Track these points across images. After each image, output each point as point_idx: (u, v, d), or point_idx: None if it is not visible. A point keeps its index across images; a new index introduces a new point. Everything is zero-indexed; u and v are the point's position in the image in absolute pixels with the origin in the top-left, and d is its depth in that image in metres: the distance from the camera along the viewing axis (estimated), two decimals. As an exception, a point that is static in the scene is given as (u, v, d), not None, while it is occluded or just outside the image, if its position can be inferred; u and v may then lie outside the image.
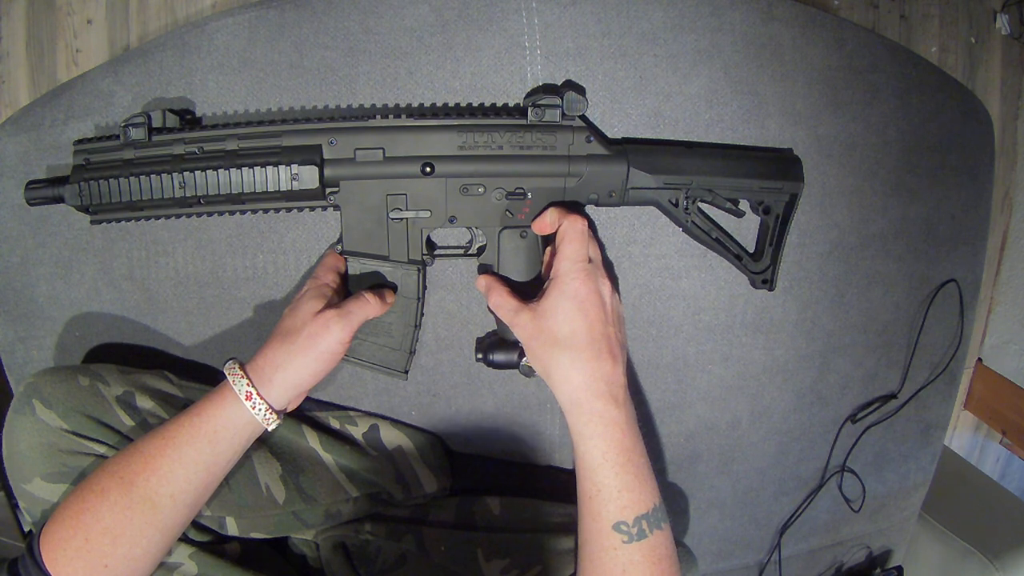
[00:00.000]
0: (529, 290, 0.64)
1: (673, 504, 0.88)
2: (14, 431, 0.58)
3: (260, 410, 0.55)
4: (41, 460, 0.57)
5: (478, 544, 0.67)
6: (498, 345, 0.69)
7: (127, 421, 0.60)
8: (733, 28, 0.71)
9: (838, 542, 1.00)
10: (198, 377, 0.71)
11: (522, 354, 0.68)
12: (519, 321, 0.59)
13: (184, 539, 0.60)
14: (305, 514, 0.66)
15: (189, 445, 0.54)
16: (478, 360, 0.71)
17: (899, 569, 1.04)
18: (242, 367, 0.57)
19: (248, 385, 0.55)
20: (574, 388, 0.55)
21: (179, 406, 0.63)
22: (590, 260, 0.59)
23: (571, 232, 0.59)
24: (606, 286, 0.58)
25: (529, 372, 0.69)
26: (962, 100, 0.82)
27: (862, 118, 0.76)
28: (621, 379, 0.56)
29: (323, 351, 0.57)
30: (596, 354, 0.55)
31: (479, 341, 0.73)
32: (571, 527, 0.68)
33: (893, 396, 0.90)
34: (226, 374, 0.57)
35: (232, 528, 0.63)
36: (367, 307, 0.60)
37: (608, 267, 0.74)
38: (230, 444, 0.55)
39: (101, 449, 0.58)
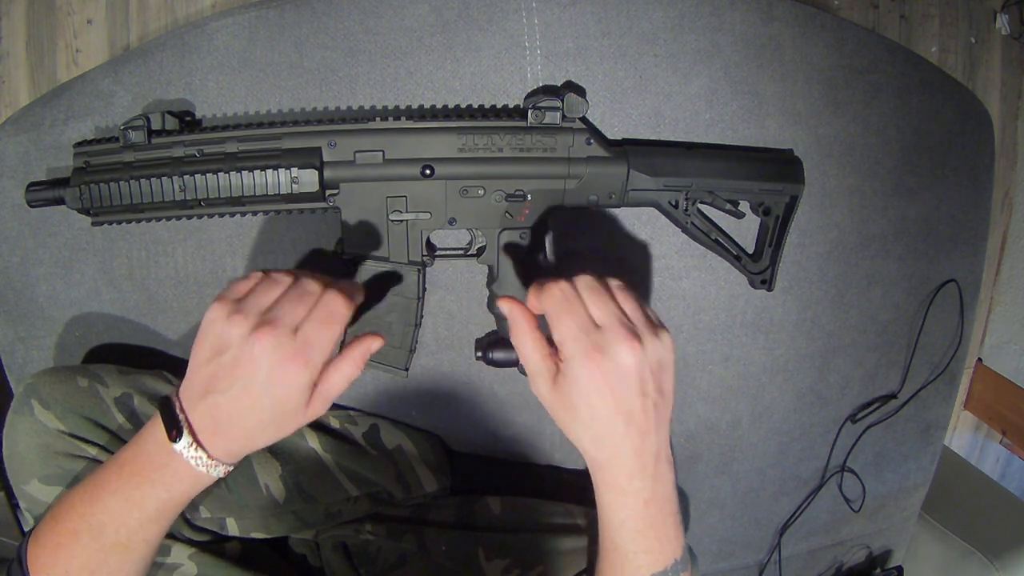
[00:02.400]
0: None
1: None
2: (13, 432, 0.58)
3: (219, 472, 0.50)
4: (38, 462, 0.57)
5: (479, 544, 0.67)
6: (498, 343, 0.69)
7: (125, 424, 0.60)
8: (733, 28, 0.71)
9: (838, 542, 1.00)
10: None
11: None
12: (539, 385, 0.51)
13: (184, 539, 0.60)
14: (305, 514, 0.66)
15: (160, 512, 0.50)
16: (478, 358, 0.71)
17: (899, 569, 1.04)
18: (208, 455, 0.49)
19: (225, 467, 0.50)
20: (595, 462, 0.51)
21: None
22: (598, 326, 0.49)
23: (551, 305, 0.50)
24: (627, 349, 0.47)
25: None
26: (962, 100, 0.82)
27: (862, 118, 0.76)
28: (652, 448, 0.49)
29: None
30: (620, 435, 0.48)
31: (478, 340, 0.73)
32: (572, 527, 0.68)
33: (893, 396, 0.90)
34: (192, 463, 0.48)
35: (232, 528, 0.63)
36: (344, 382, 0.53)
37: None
38: (195, 493, 0.51)
39: (98, 453, 0.58)
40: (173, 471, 0.49)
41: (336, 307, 0.50)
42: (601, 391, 0.47)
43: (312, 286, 0.51)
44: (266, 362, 0.47)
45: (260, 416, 0.49)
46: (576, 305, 0.49)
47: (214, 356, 0.48)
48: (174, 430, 0.48)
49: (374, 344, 0.54)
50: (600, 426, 0.48)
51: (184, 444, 0.48)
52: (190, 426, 0.48)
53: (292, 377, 0.48)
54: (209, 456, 0.49)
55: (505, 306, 0.52)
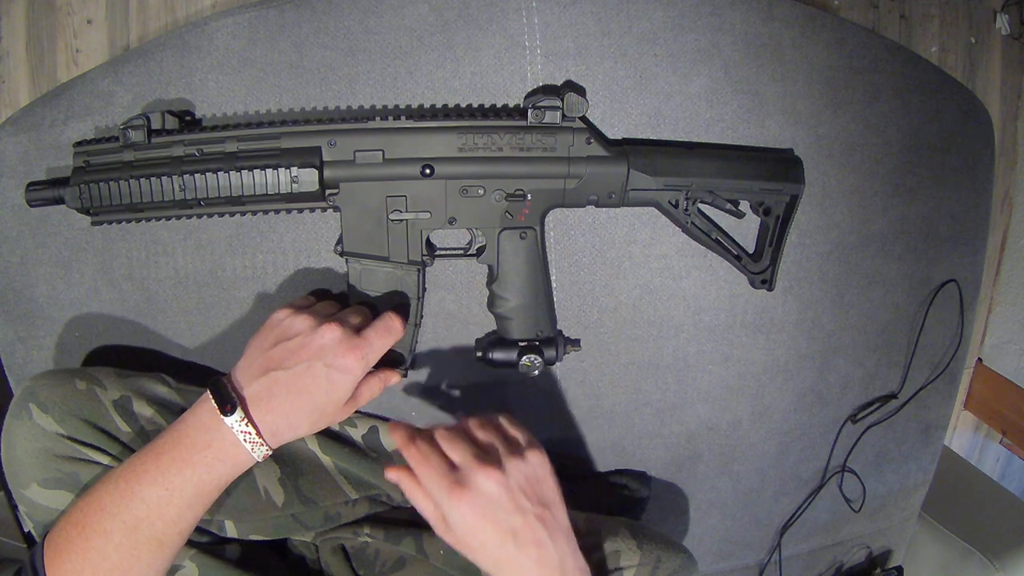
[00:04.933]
0: None
1: (674, 505, 0.88)
2: (11, 436, 0.57)
3: (260, 453, 0.55)
4: (37, 466, 0.56)
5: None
6: (498, 344, 0.69)
7: (124, 427, 0.60)
8: (733, 28, 0.71)
9: (838, 542, 1.00)
10: (197, 378, 0.71)
11: (522, 353, 0.68)
12: (440, 533, 0.54)
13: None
14: (304, 516, 0.66)
15: (198, 498, 0.53)
16: (478, 359, 0.71)
17: (899, 569, 1.04)
18: (257, 431, 0.54)
19: (267, 449, 0.55)
20: None
21: (176, 411, 0.62)
22: (456, 467, 0.53)
23: (415, 466, 0.54)
24: (484, 477, 0.51)
25: (529, 371, 0.69)
26: (962, 100, 0.82)
27: (862, 118, 0.76)
28: (554, 559, 0.52)
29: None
30: (513, 554, 0.51)
31: (478, 340, 0.73)
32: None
33: (893, 396, 0.90)
34: (240, 439, 0.53)
35: (231, 531, 0.63)
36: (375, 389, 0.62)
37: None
38: (233, 478, 0.56)
39: (97, 456, 0.58)
40: (216, 451, 0.53)
41: (394, 324, 0.60)
42: (477, 523, 0.51)
43: (365, 309, 0.62)
44: (331, 348, 0.55)
45: (313, 397, 0.55)
46: (433, 457, 0.53)
47: (279, 342, 0.56)
48: (228, 404, 0.53)
49: (393, 378, 0.63)
50: (493, 552, 0.51)
51: (236, 418, 0.53)
52: (243, 401, 0.54)
53: (350, 365, 0.56)
54: (257, 432, 0.53)
55: (392, 475, 0.56)
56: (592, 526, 0.68)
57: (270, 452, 0.55)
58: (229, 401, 0.53)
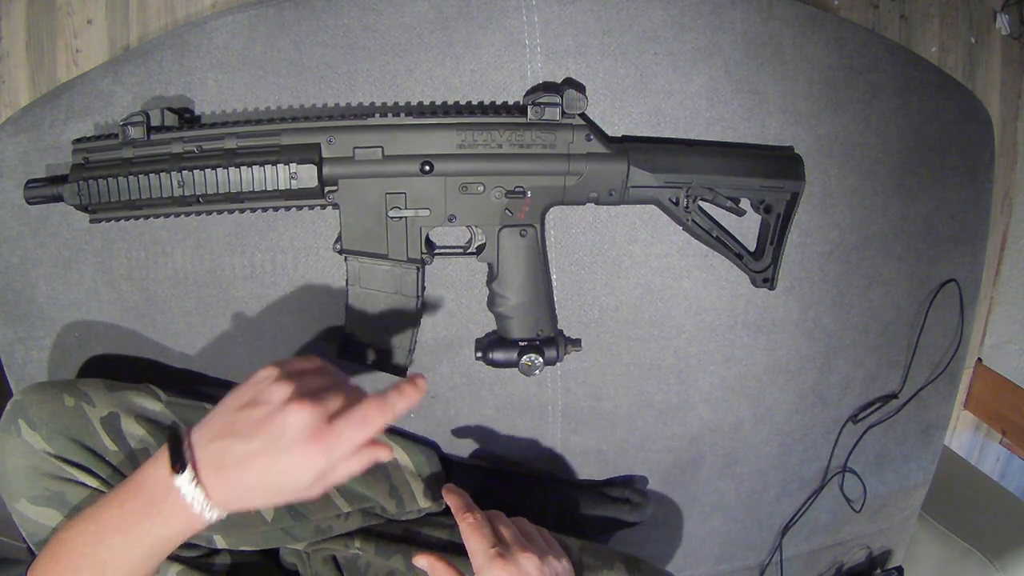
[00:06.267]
0: None
1: (677, 508, 0.88)
2: (1, 451, 0.57)
3: (213, 515, 0.52)
4: (26, 483, 0.57)
5: (468, 569, 0.66)
6: (498, 344, 0.69)
7: (111, 446, 0.60)
8: (733, 27, 0.71)
9: (839, 542, 1.00)
10: (196, 379, 0.71)
11: (522, 352, 0.68)
12: None
13: (172, 556, 0.60)
14: (294, 530, 0.65)
15: (159, 546, 0.52)
16: (478, 359, 0.71)
17: (899, 569, 1.04)
18: (200, 484, 0.51)
19: (220, 512, 0.52)
20: None
21: (166, 428, 0.63)
22: (502, 542, 0.59)
23: (464, 529, 0.60)
24: (529, 559, 0.57)
25: (529, 371, 0.68)
26: (962, 100, 0.82)
27: (862, 118, 0.76)
28: None
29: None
30: None
31: (479, 340, 0.73)
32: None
33: (894, 396, 0.90)
34: (188, 500, 0.50)
35: (221, 543, 0.63)
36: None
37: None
38: (190, 533, 0.53)
39: (84, 477, 0.58)
40: (171, 506, 0.50)
41: (373, 415, 0.53)
42: None
43: (360, 390, 0.56)
44: (292, 433, 0.50)
45: (264, 477, 0.50)
46: (486, 528, 0.60)
47: (247, 407, 0.51)
48: (178, 464, 0.50)
49: (383, 454, 0.57)
50: None
51: (185, 480, 0.49)
52: (194, 463, 0.50)
53: (308, 457, 0.50)
54: (207, 496, 0.50)
55: (423, 561, 0.62)
56: (587, 556, 0.67)
57: (224, 515, 0.52)
58: (179, 460, 0.50)
